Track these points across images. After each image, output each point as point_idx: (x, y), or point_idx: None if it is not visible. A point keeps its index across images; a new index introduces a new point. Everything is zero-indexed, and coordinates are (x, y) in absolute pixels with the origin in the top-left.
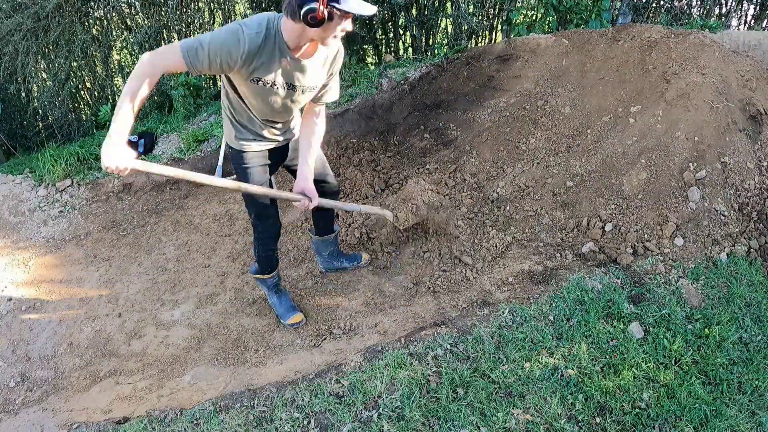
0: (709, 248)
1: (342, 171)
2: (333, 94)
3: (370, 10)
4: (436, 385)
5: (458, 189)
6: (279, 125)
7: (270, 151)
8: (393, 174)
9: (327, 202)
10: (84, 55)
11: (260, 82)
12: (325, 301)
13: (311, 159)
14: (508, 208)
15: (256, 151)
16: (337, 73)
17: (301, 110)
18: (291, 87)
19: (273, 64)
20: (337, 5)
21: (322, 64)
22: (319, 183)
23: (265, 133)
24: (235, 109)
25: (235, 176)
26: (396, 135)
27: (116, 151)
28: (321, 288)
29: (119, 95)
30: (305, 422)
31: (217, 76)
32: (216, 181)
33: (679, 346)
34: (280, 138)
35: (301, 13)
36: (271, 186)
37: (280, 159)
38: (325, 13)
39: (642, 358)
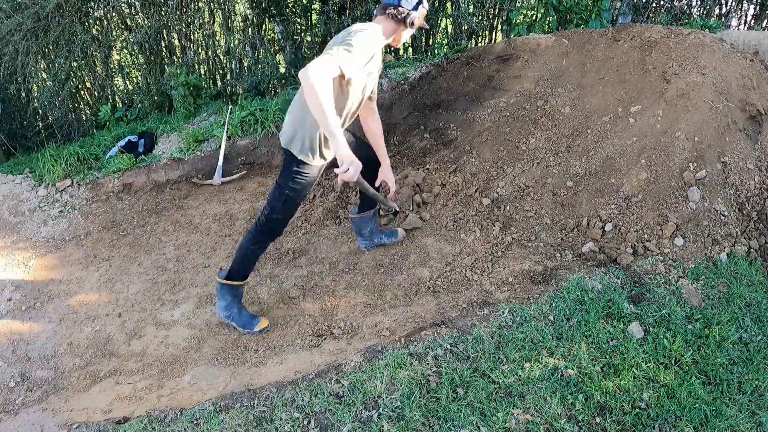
0: (709, 248)
1: None
2: (377, 87)
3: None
4: (436, 385)
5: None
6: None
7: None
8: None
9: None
10: (84, 55)
11: (371, 75)
12: (325, 301)
13: (383, 144)
14: (508, 208)
15: (319, 165)
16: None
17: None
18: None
19: (379, 58)
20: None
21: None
22: (369, 162)
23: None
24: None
25: (237, 172)
26: (396, 135)
27: (356, 159)
28: (321, 288)
29: (119, 95)
30: (305, 422)
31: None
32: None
33: (679, 346)
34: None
35: (406, 19)
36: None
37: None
38: (418, 17)
39: (642, 358)
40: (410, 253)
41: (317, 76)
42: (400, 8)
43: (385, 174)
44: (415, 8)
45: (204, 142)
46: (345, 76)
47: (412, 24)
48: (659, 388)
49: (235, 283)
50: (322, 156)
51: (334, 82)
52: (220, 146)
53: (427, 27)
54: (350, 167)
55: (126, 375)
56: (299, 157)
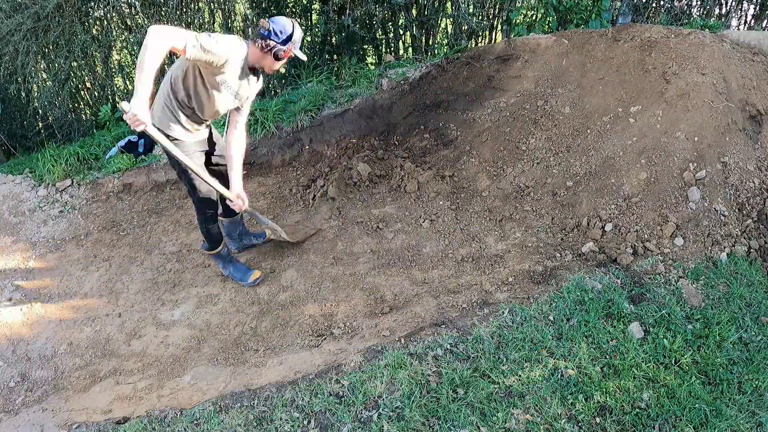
0: (709, 248)
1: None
2: (247, 111)
3: (304, 57)
4: (436, 385)
5: (457, 189)
6: (205, 123)
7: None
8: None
9: (252, 212)
10: (84, 55)
11: (225, 84)
12: (325, 301)
13: (240, 166)
14: (508, 208)
15: (188, 141)
16: (251, 99)
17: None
18: (237, 97)
19: (238, 75)
20: (295, 52)
21: (251, 86)
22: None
23: (194, 127)
24: (177, 97)
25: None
26: (396, 135)
27: (142, 107)
28: (321, 288)
29: (119, 95)
30: (305, 422)
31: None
32: (202, 173)
33: (679, 346)
34: (200, 135)
35: (273, 51)
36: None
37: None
38: (287, 52)
39: (642, 358)
40: (409, 252)
41: (157, 29)
42: (269, 41)
43: (236, 190)
44: (284, 43)
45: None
46: (188, 55)
47: (278, 57)
48: (659, 388)
49: (214, 251)
50: (187, 132)
51: (189, 67)
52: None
53: (302, 57)
54: (132, 115)
55: (126, 375)
56: (172, 136)
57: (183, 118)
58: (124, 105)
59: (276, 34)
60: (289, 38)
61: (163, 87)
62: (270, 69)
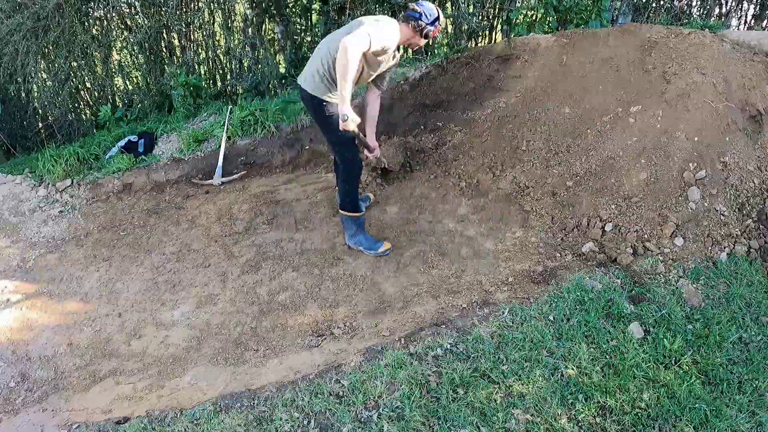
0: (709, 248)
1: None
2: (386, 82)
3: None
4: (436, 385)
5: (457, 189)
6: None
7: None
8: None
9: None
10: (84, 55)
11: (383, 62)
12: (325, 301)
13: (374, 125)
14: (507, 207)
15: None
16: (392, 70)
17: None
18: (380, 67)
19: (392, 52)
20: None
21: (395, 59)
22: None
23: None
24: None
25: (237, 172)
26: (396, 135)
27: (354, 115)
28: (321, 288)
29: (119, 95)
30: (305, 422)
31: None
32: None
33: (679, 346)
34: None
35: (424, 31)
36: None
37: None
38: (433, 31)
39: (642, 358)
40: (409, 252)
41: (352, 44)
42: (420, 22)
43: (373, 143)
44: (432, 24)
45: (204, 142)
46: (371, 51)
47: (427, 36)
48: (659, 388)
49: (353, 214)
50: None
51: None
52: (219, 146)
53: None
54: (350, 121)
55: (126, 375)
56: (326, 100)
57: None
58: (343, 114)
59: (426, 16)
60: (437, 19)
61: (323, 62)
62: (417, 46)
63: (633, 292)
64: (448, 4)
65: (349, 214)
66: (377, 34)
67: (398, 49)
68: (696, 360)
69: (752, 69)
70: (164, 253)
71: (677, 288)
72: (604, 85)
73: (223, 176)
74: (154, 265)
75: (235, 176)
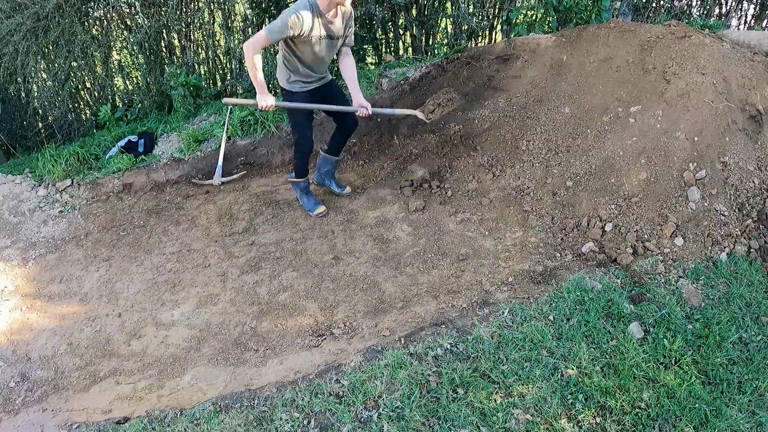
0: (709, 248)
1: (344, 169)
2: (351, 39)
3: None
4: (436, 385)
5: (457, 189)
6: (316, 74)
7: (314, 90)
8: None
9: (379, 111)
10: (84, 55)
11: (312, 38)
12: (325, 301)
13: (356, 83)
14: (507, 207)
15: (300, 91)
16: (352, 27)
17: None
18: (330, 37)
19: (314, 25)
20: None
21: (342, 22)
22: (347, 119)
23: (307, 78)
24: (288, 61)
25: (237, 172)
26: (396, 135)
27: (265, 97)
28: (321, 288)
29: (119, 95)
30: (305, 422)
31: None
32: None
33: (679, 346)
34: (318, 82)
35: None
36: (311, 119)
37: (320, 98)
38: None
39: (642, 358)
40: (409, 252)
41: (246, 47)
42: None
43: (357, 101)
44: None
45: (204, 142)
46: (272, 41)
47: None
48: (659, 388)
49: (296, 180)
50: (302, 81)
51: (284, 44)
52: (219, 146)
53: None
54: (263, 103)
55: (126, 375)
56: (287, 89)
57: (295, 77)
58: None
59: None
60: None
61: (279, 62)
62: (336, 2)
63: (633, 292)
64: (448, 4)
65: (292, 180)
66: (272, 26)
67: (348, 16)
68: (696, 360)
69: (752, 69)
70: (164, 253)
71: (677, 288)
72: (604, 85)
73: (222, 176)
74: (154, 265)
75: (235, 176)
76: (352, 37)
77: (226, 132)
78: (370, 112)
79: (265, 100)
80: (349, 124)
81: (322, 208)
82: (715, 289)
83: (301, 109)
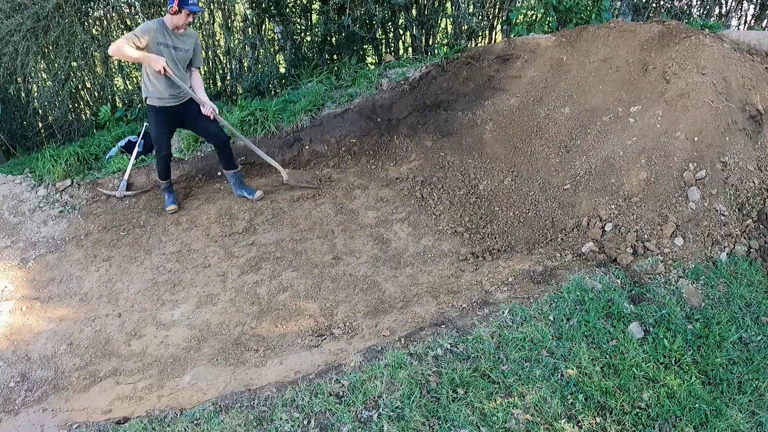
0: (709, 248)
1: (342, 168)
2: (198, 60)
3: (200, 9)
4: (436, 385)
5: (458, 189)
6: (173, 90)
7: (168, 108)
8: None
9: (223, 122)
10: (84, 55)
11: (160, 45)
12: (325, 301)
13: (200, 91)
14: (507, 207)
15: (158, 106)
16: (198, 48)
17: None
18: (176, 49)
19: (163, 37)
20: (184, 6)
21: (188, 42)
22: (212, 138)
23: (165, 93)
24: (147, 75)
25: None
26: (396, 135)
27: (156, 58)
28: (321, 288)
29: (119, 95)
30: (305, 422)
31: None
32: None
33: (679, 346)
34: (174, 100)
35: (167, 8)
36: (170, 136)
37: (178, 119)
38: (177, 9)
39: (642, 358)
40: (409, 252)
41: (113, 48)
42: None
43: (206, 103)
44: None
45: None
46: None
47: (177, 12)
48: (659, 388)
49: (161, 182)
50: (160, 97)
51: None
52: (129, 161)
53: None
54: (158, 62)
55: (126, 375)
56: (148, 104)
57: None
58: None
59: None
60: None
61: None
62: (175, 24)
63: (633, 292)
64: (448, 4)
65: (158, 181)
66: (132, 32)
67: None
68: (696, 360)
69: (752, 69)
70: (164, 253)
71: (677, 288)
72: (604, 85)
73: (127, 189)
74: (154, 265)
75: (137, 192)
76: (199, 58)
77: (138, 147)
78: (216, 111)
79: (157, 60)
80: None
81: (173, 207)
82: (715, 289)
83: (155, 126)
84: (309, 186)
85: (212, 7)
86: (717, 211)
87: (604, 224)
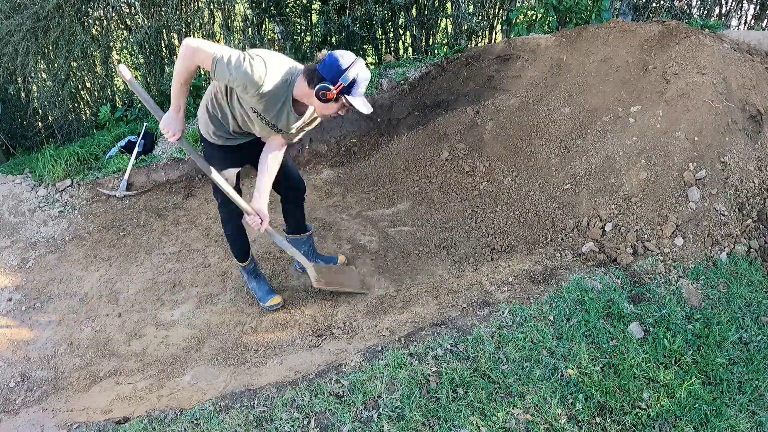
0: (709, 248)
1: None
2: (292, 136)
3: (368, 110)
4: (436, 385)
5: (458, 189)
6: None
7: (237, 146)
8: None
9: (273, 233)
10: (84, 55)
11: (255, 113)
12: (325, 300)
13: (267, 182)
14: (507, 207)
15: (225, 145)
16: (306, 132)
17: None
18: (273, 126)
19: (275, 107)
20: (347, 96)
21: (304, 120)
22: (287, 181)
23: (235, 135)
24: (217, 109)
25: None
26: (396, 135)
27: (172, 121)
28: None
29: (119, 95)
30: (305, 422)
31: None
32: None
33: (679, 346)
34: (245, 139)
35: (316, 87)
36: (239, 178)
37: (248, 156)
38: (335, 96)
39: (642, 358)
40: (409, 251)
41: (190, 45)
42: (323, 83)
43: (257, 205)
44: (332, 81)
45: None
46: (213, 75)
47: (322, 98)
48: (659, 388)
49: (240, 264)
50: (228, 137)
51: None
52: (128, 161)
53: (360, 109)
54: (167, 128)
55: (126, 375)
56: (209, 140)
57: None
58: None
59: (327, 67)
60: (339, 75)
61: (207, 98)
62: (320, 113)
63: (633, 292)
64: (448, 4)
65: (239, 264)
66: (239, 63)
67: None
68: (696, 360)
69: (752, 69)
70: (164, 253)
71: (677, 288)
72: (604, 85)
73: (127, 189)
74: (154, 265)
75: (137, 192)
76: (294, 136)
77: (138, 147)
78: (265, 225)
79: (171, 123)
80: (295, 187)
81: (277, 299)
82: (715, 289)
83: (219, 167)
84: (352, 292)
85: (212, 7)
86: (717, 211)
87: (604, 224)
